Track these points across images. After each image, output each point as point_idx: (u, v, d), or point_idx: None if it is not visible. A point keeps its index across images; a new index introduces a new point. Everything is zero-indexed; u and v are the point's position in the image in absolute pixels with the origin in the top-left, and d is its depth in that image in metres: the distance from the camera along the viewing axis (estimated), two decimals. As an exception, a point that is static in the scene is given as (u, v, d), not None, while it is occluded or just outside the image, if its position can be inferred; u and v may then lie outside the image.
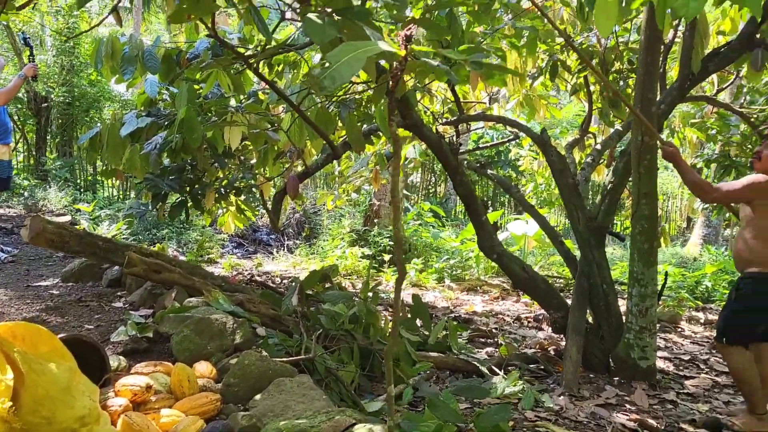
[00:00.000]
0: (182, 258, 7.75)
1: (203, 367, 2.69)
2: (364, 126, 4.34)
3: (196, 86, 3.97)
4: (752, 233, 3.21)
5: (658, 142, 3.28)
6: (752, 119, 5.80)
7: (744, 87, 6.59)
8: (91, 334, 3.24)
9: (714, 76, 6.09)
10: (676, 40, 5.13)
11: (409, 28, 1.19)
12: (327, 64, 1.05)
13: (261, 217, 10.67)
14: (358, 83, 4.15)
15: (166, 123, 4.00)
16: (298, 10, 3.07)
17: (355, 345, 3.45)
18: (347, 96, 3.94)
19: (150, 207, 5.14)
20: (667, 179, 16.74)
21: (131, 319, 3.31)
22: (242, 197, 5.36)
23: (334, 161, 5.54)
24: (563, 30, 5.97)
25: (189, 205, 4.61)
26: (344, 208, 9.74)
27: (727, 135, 6.87)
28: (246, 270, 7.69)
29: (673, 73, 6.31)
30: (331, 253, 8.53)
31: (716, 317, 6.91)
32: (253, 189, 5.30)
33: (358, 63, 1.06)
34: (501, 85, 4.29)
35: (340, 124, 4.03)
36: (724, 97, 7.67)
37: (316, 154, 4.64)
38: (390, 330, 3.96)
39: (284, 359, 2.88)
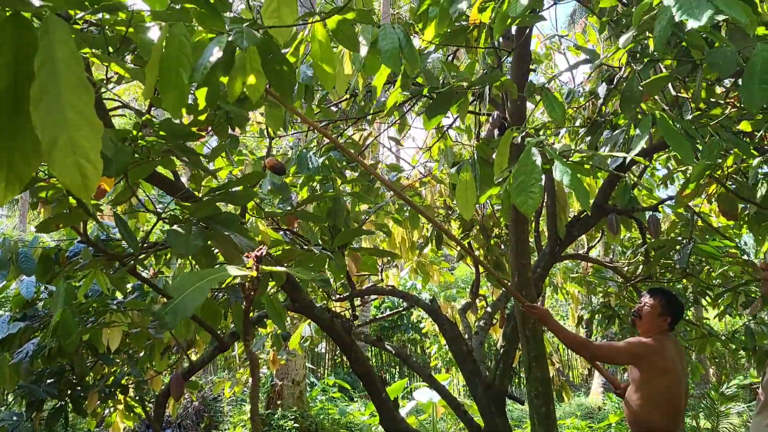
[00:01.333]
0: (62, 469, 6.92)
1: None
2: (255, 311, 4.28)
3: (75, 283, 3.82)
4: (638, 395, 3.20)
5: (524, 307, 3.39)
6: (623, 272, 6.25)
7: (611, 243, 7.19)
8: None
9: (583, 236, 6.63)
10: (543, 207, 5.61)
11: (260, 249, 1.23)
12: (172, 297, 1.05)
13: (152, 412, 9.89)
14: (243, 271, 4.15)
15: (40, 326, 3.77)
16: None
17: None
18: (235, 283, 3.91)
19: (24, 417, 4.68)
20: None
21: None
22: (131, 394, 5.00)
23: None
24: (444, 201, 6.40)
25: (69, 409, 4.24)
26: (245, 392, 9.23)
27: (605, 287, 7.34)
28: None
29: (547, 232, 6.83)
30: (233, 443, 7.95)
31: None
32: (142, 385, 4.96)
33: (202, 294, 1.07)
34: (373, 271, 4.45)
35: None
36: (596, 251, 8.31)
37: (206, 345, 4.47)
38: None
39: None
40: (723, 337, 6.18)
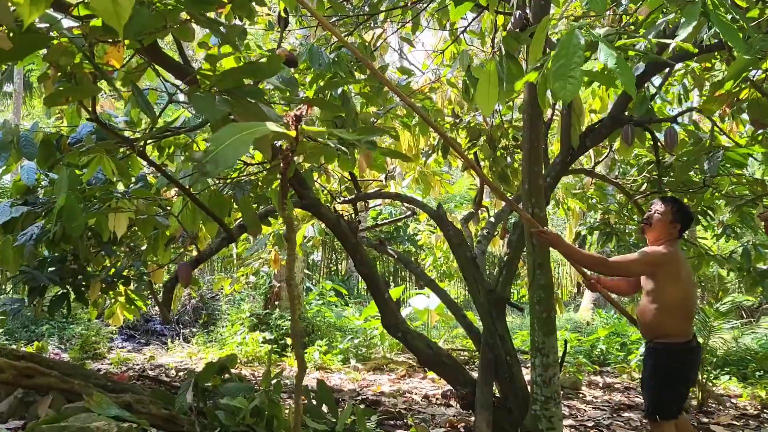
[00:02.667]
0: (65, 355, 7.11)
1: (83, 484, 2.38)
2: (260, 208, 4.24)
3: (78, 171, 3.74)
4: (655, 305, 3.24)
5: (536, 232, 3.35)
6: (626, 189, 6.22)
7: (617, 160, 7.13)
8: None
9: (590, 151, 6.55)
10: (554, 118, 5.49)
11: (299, 108, 1.15)
12: (210, 146, 0.98)
13: (153, 306, 10.08)
14: (252, 164, 4.08)
15: (43, 212, 3.72)
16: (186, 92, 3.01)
17: (257, 441, 3.21)
18: (242, 177, 3.85)
19: (26, 302, 4.73)
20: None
21: (-2, 434, 2.92)
22: (132, 286, 5.04)
23: (231, 244, 5.36)
24: (452, 110, 6.25)
25: (71, 298, 4.27)
26: (243, 292, 9.40)
27: (605, 204, 7.34)
28: (137, 364, 7.16)
29: (553, 148, 6.74)
30: (231, 339, 8.14)
31: (614, 380, 7.14)
32: (144, 277, 4.99)
33: (244, 145, 1.00)
34: (382, 171, 4.36)
35: (235, 206, 3.92)
36: (600, 169, 8.25)
37: (211, 238, 4.46)
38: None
39: (178, 465, 2.61)
40: (719, 257, 6.21)
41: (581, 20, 3.50)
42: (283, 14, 4.12)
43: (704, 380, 5.78)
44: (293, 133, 1.12)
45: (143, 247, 4.73)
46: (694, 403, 5.68)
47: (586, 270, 3.66)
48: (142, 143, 2.63)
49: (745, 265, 6.10)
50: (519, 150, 6.20)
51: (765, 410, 5.69)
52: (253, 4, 3.26)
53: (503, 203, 5.87)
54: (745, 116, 5.22)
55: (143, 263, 4.75)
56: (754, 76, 2.53)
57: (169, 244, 4.31)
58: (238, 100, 1.84)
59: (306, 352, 7.61)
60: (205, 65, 2.38)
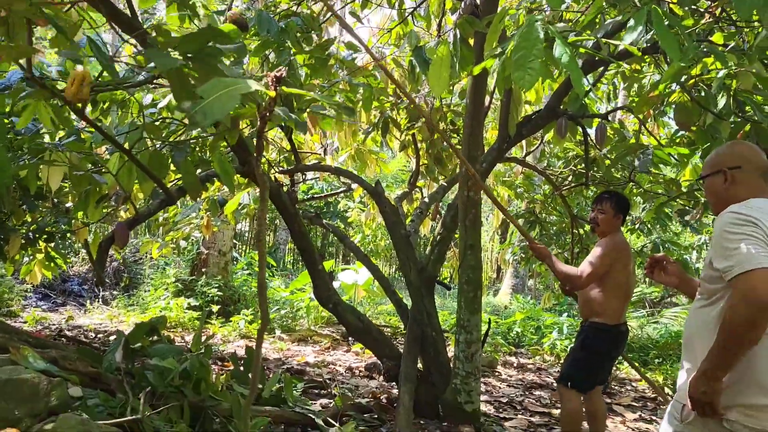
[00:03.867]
0: (-27, 312, 6.79)
1: (8, 437, 2.34)
2: (200, 171, 4.19)
3: (6, 120, 3.58)
4: (599, 286, 3.48)
5: (529, 245, 3.51)
6: (554, 180, 6.51)
7: (546, 152, 7.43)
8: None
9: (522, 141, 6.80)
10: (492, 105, 5.67)
11: (279, 70, 1.19)
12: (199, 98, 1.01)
13: (72, 266, 9.71)
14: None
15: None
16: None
17: (185, 402, 3.22)
18: (186, 140, 3.79)
19: (-62, 254, 4.49)
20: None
21: None
22: (53, 244, 4.87)
23: (162, 207, 5.25)
24: (394, 89, 6.32)
25: (-12, 251, 4.09)
26: (169, 257, 9.22)
27: (532, 193, 7.65)
28: (53, 324, 6.92)
29: (488, 135, 6.95)
30: (154, 304, 7.98)
31: (527, 361, 7.51)
32: (67, 234, 4.83)
33: (232, 100, 1.03)
34: (331, 128, 4.39)
35: (172, 168, 3.85)
36: (529, 159, 8.57)
37: (145, 198, 4.37)
38: (222, 384, 3.77)
39: (108, 422, 2.60)
40: (633, 251, 6.60)
41: (534, 13, 3.64)
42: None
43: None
44: (273, 94, 1.16)
45: (69, 204, 4.58)
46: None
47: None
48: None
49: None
50: (455, 134, 6.37)
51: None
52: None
53: (438, 185, 6.02)
54: (665, 119, 5.58)
55: (69, 220, 4.60)
56: (684, 81, 2.74)
57: (100, 202, 4.19)
58: (198, 62, 1.84)
59: (231, 321, 7.58)
60: (168, 22, 2.35)
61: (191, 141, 3.91)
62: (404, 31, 6.02)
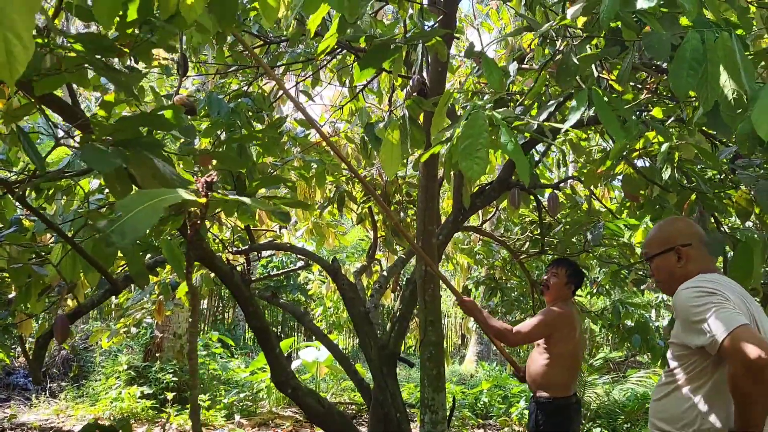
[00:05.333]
0: None
1: None
2: (148, 257, 4.05)
3: (-59, 212, 3.42)
4: (544, 356, 3.42)
5: (457, 299, 3.47)
6: (511, 247, 6.55)
7: (503, 218, 7.52)
8: None
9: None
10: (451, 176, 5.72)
11: (210, 175, 1.13)
12: (118, 214, 0.94)
13: (17, 357, 9.20)
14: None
15: None
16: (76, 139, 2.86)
17: None
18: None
19: None
20: (442, 299, 17.99)
21: None
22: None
23: (111, 293, 5.05)
24: (350, 164, 6.35)
25: None
26: (122, 343, 8.83)
27: (491, 260, 7.69)
28: (-7, 423, 6.47)
29: (444, 204, 7.00)
30: (105, 395, 7.57)
31: (497, 433, 7.33)
32: (10, 328, 4.57)
33: (155, 214, 0.97)
34: (285, 222, 4.35)
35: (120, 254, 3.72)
36: (486, 226, 8.66)
37: (91, 288, 4.19)
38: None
39: None
40: (593, 314, 6.63)
41: (478, 96, 3.73)
42: (182, 59, 4.05)
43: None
44: (203, 201, 1.09)
45: (11, 295, 4.36)
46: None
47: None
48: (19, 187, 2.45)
49: (615, 322, 6.56)
50: (411, 205, 6.39)
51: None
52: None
53: (396, 258, 5.98)
54: (615, 182, 5.72)
55: (11, 313, 4.37)
56: (628, 154, 2.80)
57: (43, 294, 4.00)
58: (134, 153, 1.77)
59: (187, 408, 7.22)
60: (100, 112, 2.29)
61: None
62: (357, 107, 6.11)
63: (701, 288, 1.78)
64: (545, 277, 3.64)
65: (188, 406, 7.20)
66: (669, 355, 1.91)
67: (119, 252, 3.55)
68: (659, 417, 1.93)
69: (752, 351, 1.59)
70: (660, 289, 2.12)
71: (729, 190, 2.83)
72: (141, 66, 4.42)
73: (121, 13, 1.66)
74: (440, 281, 3.87)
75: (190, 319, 1.17)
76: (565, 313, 3.45)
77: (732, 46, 1.80)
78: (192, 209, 1.13)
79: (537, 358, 3.48)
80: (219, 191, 1.26)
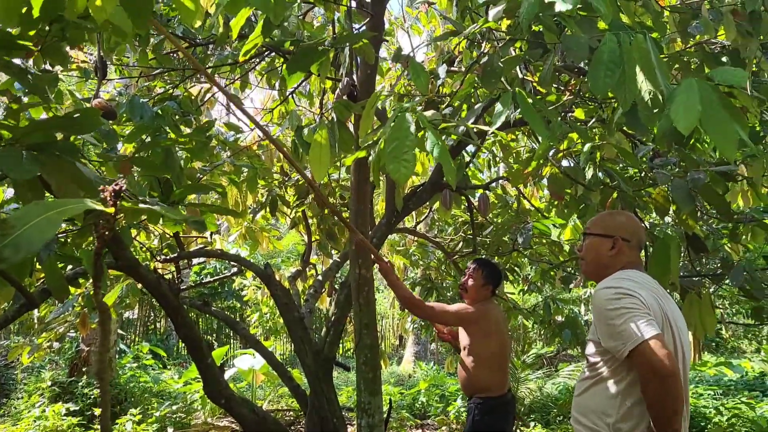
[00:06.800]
0: None
1: None
2: (69, 269, 3.86)
3: None
4: (471, 359, 3.46)
5: (374, 258, 3.45)
6: (445, 247, 6.62)
7: (436, 220, 7.60)
8: None
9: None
10: (380, 180, 5.72)
11: (118, 183, 1.07)
12: (12, 226, 0.86)
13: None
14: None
15: None
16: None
17: None
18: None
19: None
20: (379, 300, 18.04)
21: None
22: None
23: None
24: (280, 167, 6.26)
25: None
26: (45, 358, 8.40)
27: (426, 261, 7.76)
28: None
29: (378, 207, 7.01)
30: (27, 413, 7.17)
31: (435, 432, 7.38)
32: None
33: (53, 227, 0.90)
34: (213, 229, 4.23)
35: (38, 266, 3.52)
36: (421, 227, 8.74)
37: (6, 303, 3.95)
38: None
39: None
40: (525, 311, 6.77)
41: (406, 100, 3.74)
42: (101, 62, 3.88)
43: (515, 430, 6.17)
44: (111, 210, 1.03)
45: None
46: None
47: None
48: None
49: (547, 318, 6.73)
50: (346, 208, 6.36)
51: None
52: (68, 49, 3.04)
53: (331, 261, 5.93)
54: (544, 182, 5.88)
55: None
56: (554, 154, 2.87)
57: (-48, 310, 3.74)
58: (49, 158, 1.67)
59: (117, 423, 6.94)
60: (9, 119, 2.16)
61: (59, 237, 3.61)
62: (287, 110, 6.03)
63: (618, 290, 1.83)
64: (463, 279, 3.68)
65: (118, 421, 6.92)
66: (588, 350, 1.96)
67: (36, 264, 3.37)
68: (581, 411, 1.97)
69: (657, 363, 1.70)
70: (581, 267, 2.19)
71: (648, 188, 2.95)
72: (58, 69, 4.21)
73: (25, 10, 1.57)
74: (375, 279, 3.85)
75: (100, 342, 1.11)
76: (477, 311, 3.50)
77: (647, 48, 1.87)
78: (101, 220, 1.06)
79: (465, 361, 3.52)
80: (132, 199, 1.19)
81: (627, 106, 1.87)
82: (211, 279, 8.03)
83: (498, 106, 1.91)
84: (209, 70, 5.22)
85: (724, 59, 2.88)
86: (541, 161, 2.99)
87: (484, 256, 5.65)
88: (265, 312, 12.22)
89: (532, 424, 7.26)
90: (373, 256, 3.40)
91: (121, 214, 1.49)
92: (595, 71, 1.90)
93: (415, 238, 7.47)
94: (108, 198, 1.04)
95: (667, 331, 1.84)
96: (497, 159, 6.98)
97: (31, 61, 3.82)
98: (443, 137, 2.53)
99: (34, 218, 0.89)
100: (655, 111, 1.92)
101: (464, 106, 3.68)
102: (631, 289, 1.82)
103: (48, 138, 1.75)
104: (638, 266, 2.02)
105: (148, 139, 4.23)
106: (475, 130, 2.03)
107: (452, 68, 4.30)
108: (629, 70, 1.86)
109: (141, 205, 1.19)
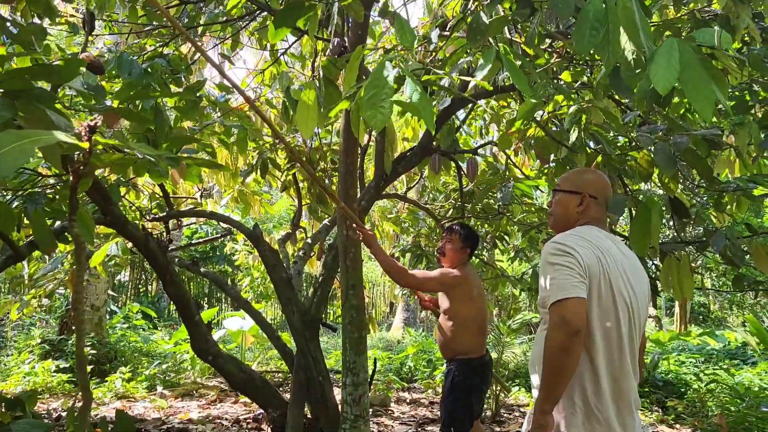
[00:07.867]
0: None
1: None
2: (57, 223, 3.87)
3: None
4: (451, 323, 3.51)
5: (357, 228, 3.45)
6: (435, 214, 6.66)
7: (427, 187, 7.61)
8: None
9: (404, 177, 6.91)
10: (371, 144, 5.71)
11: (93, 119, 1.08)
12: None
13: None
14: (48, 175, 3.72)
15: None
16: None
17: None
18: (36, 189, 3.49)
19: None
20: (371, 268, 18.15)
21: None
22: None
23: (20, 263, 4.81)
24: (271, 130, 6.23)
25: None
26: (34, 316, 8.46)
27: (417, 228, 7.79)
28: None
29: (369, 173, 7.02)
30: (17, 369, 7.25)
31: (420, 395, 7.51)
32: None
33: (25, 154, 0.91)
34: (196, 182, 4.23)
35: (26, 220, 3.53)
36: (412, 194, 8.76)
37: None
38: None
39: None
40: (514, 279, 6.83)
41: (392, 53, 3.71)
42: (89, 15, 3.83)
43: (498, 392, 6.28)
44: (86, 145, 1.04)
45: None
46: (489, 413, 6.16)
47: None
48: None
49: (534, 285, 6.79)
50: (336, 173, 6.36)
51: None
52: (56, 2, 3.00)
53: (321, 224, 5.96)
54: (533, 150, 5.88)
55: None
56: (540, 117, 2.87)
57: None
58: (25, 105, 1.67)
59: (107, 380, 7.03)
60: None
61: (46, 189, 3.61)
62: (279, 71, 5.98)
63: (561, 246, 1.89)
64: (441, 243, 3.71)
65: (107, 379, 7.01)
66: (539, 302, 2.01)
67: (25, 217, 3.38)
68: (531, 361, 2.05)
69: (568, 317, 1.76)
70: (548, 221, 2.24)
71: (632, 152, 2.96)
72: (46, 23, 4.16)
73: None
74: (361, 243, 3.88)
75: (76, 273, 1.13)
76: (460, 275, 3.53)
77: (632, 8, 1.87)
78: (76, 155, 1.07)
79: (444, 325, 3.57)
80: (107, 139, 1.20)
81: (610, 67, 1.88)
82: (201, 240, 8.05)
83: (481, 61, 1.92)
84: (200, 29, 5.17)
85: (716, 28, 2.88)
86: (526, 122, 3.00)
87: (472, 222, 5.71)
88: (256, 277, 12.28)
89: (516, 388, 7.39)
90: (355, 226, 3.40)
91: (98, 146, 1.49)
92: (580, 30, 1.90)
93: (406, 205, 7.49)
94: (83, 133, 1.05)
95: (606, 290, 1.87)
96: (489, 127, 6.98)
97: (19, 14, 3.78)
98: (433, 102, 2.54)
99: (6, 146, 0.90)
100: (637, 71, 1.93)
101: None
102: (571, 246, 1.87)
103: (27, 86, 1.75)
104: (598, 222, 2.07)
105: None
106: (458, 81, 2.03)
107: (445, 33, 4.28)
108: (614, 29, 1.86)
109: (114, 140, 1.19)
